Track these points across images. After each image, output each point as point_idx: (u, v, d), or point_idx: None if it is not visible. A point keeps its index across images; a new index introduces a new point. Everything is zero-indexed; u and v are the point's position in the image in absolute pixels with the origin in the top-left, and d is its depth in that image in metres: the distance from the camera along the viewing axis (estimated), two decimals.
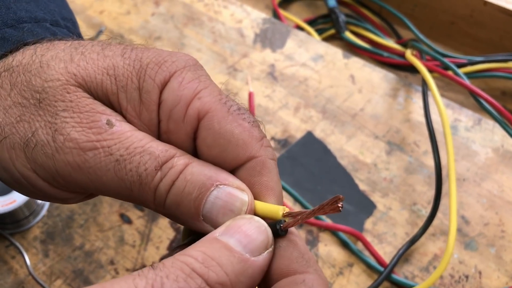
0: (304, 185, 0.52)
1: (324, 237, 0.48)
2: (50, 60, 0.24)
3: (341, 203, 0.21)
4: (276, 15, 0.78)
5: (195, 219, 0.23)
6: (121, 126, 0.23)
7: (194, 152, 0.25)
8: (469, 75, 0.64)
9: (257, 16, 0.68)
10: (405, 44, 0.68)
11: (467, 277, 0.46)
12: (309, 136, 0.56)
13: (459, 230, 0.49)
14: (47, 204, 0.50)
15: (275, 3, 0.79)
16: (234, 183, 0.23)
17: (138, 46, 0.26)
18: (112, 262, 0.46)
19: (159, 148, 0.23)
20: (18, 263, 0.46)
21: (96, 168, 0.23)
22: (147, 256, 0.47)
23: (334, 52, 0.64)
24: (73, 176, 0.23)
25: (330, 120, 0.57)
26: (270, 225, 0.23)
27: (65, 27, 0.31)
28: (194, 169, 0.23)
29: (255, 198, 0.24)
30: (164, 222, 0.49)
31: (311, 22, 0.78)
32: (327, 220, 0.49)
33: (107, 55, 0.25)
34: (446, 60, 0.58)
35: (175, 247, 0.27)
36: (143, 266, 0.46)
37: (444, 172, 0.51)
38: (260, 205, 0.24)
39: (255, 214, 0.23)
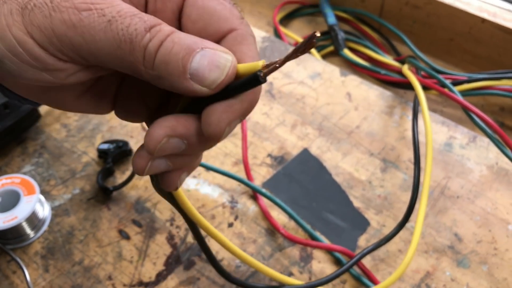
0: (300, 202, 0.53)
1: (318, 254, 0.49)
2: None
3: (315, 39, 0.22)
4: (276, 32, 0.79)
5: (183, 77, 0.24)
6: None
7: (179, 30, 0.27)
8: (467, 92, 0.65)
9: (257, 35, 0.69)
10: (403, 61, 0.69)
11: None
12: (305, 153, 0.57)
13: (451, 248, 0.49)
14: (48, 219, 0.51)
15: (276, 21, 0.80)
16: (219, 47, 0.25)
17: None
18: (110, 278, 0.47)
19: (147, 15, 0.25)
20: (19, 278, 0.48)
21: (90, 27, 0.24)
22: (144, 271, 0.48)
23: (331, 70, 0.65)
24: (68, 36, 0.24)
25: (326, 137, 0.58)
26: (252, 76, 0.24)
27: None
28: (181, 35, 0.24)
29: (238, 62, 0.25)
30: (161, 238, 0.50)
31: None
32: (321, 238, 0.50)
33: None
34: (441, 77, 0.59)
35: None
36: (140, 281, 0.47)
37: (438, 190, 0.52)
38: (242, 65, 0.25)
39: (238, 72, 0.25)
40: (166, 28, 0.24)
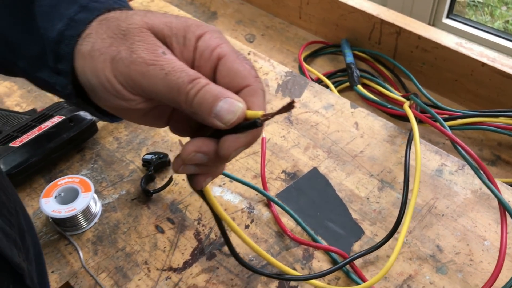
0: (307, 212, 0.62)
1: (318, 255, 0.58)
2: (132, 14, 0.39)
3: (293, 104, 0.33)
4: (301, 68, 0.90)
5: (209, 116, 0.35)
6: (170, 56, 0.37)
7: (213, 82, 0.38)
8: (464, 126, 0.74)
9: (281, 70, 0.81)
10: (408, 98, 0.78)
11: None
12: (315, 171, 0.67)
13: (433, 257, 0.58)
14: (99, 214, 0.63)
15: (301, 58, 0.91)
16: (235, 97, 0.36)
17: (184, 16, 0.40)
18: (146, 263, 0.58)
19: (192, 71, 0.36)
20: (74, 258, 0.59)
21: (154, 76, 0.36)
22: (174, 259, 0.58)
23: (343, 102, 0.75)
24: (138, 80, 0.36)
25: (334, 159, 0.68)
26: (253, 122, 0.35)
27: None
28: (212, 86, 0.36)
29: (247, 109, 0.37)
30: (189, 234, 0.60)
31: (331, 75, 0.90)
32: (322, 242, 0.59)
33: (167, 17, 0.39)
34: (435, 112, 0.68)
35: None
36: (170, 267, 0.58)
37: (426, 208, 0.61)
38: (248, 112, 0.36)
39: (246, 116, 0.36)
40: (203, 81, 0.36)
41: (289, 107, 0.34)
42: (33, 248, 0.45)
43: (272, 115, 0.35)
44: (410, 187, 0.62)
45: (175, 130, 0.43)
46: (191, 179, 0.40)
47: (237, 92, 0.37)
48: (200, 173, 0.40)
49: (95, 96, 0.40)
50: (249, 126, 0.36)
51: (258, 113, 0.36)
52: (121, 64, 0.37)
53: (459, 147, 0.62)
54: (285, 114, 0.74)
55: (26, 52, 0.44)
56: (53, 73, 0.42)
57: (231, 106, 0.35)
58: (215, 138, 0.37)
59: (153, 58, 0.36)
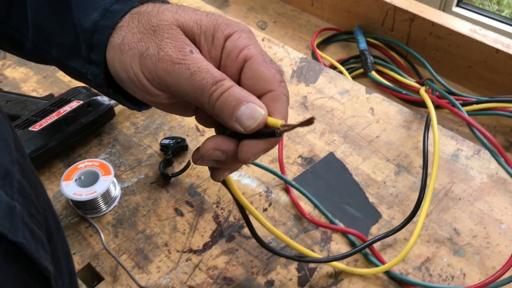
0: (324, 196, 0.63)
1: (336, 237, 0.59)
2: (164, 10, 0.39)
3: (313, 121, 0.33)
4: (314, 55, 0.90)
5: (230, 119, 0.36)
6: (198, 55, 0.37)
7: (238, 83, 0.38)
8: (477, 112, 0.74)
9: (295, 56, 0.81)
10: (422, 83, 0.79)
11: (452, 277, 0.55)
12: (331, 156, 0.67)
13: (450, 240, 0.58)
14: (118, 197, 0.64)
15: (314, 44, 0.92)
16: (258, 102, 0.36)
17: (215, 13, 0.40)
18: (166, 245, 0.59)
19: (217, 72, 0.36)
20: (95, 240, 0.60)
21: (179, 75, 0.36)
22: (193, 241, 0.59)
23: (358, 88, 0.76)
24: (165, 77, 0.37)
25: (350, 144, 0.68)
26: (272, 131, 0.35)
27: None
28: (236, 89, 0.36)
29: (269, 115, 0.36)
30: (208, 216, 0.61)
31: (344, 61, 0.90)
32: (340, 225, 0.60)
33: (197, 14, 0.39)
34: (453, 98, 0.68)
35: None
36: (190, 249, 0.58)
37: (443, 192, 0.62)
38: (269, 119, 0.36)
39: (267, 123, 0.36)
40: (227, 83, 0.36)
41: (308, 122, 0.34)
42: (62, 249, 0.45)
43: (291, 127, 0.35)
44: (428, 172, 0.62)
45: (200, 121, 0.43)
46: (211, 170, 0.42)
47: (260, 96, 0.37)
48: (219, 167, 0.41)
49: (125, 87, 0.41)
50: (268, 135, 0.36)
51: (278, 122, 0.36)
52: (148, 60, 0.37)
53: (476, 131, 0.62)
54: (300, 99, 0.74)
55: (60, 41, 0.45)
56: (85, 63, 0.43)
57: (253, 112, 0.35)
58: (235, 138, 0.38)
59: (180, 57, 0.36)
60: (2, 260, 0.33)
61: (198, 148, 0.39)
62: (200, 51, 0.38)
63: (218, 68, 0.38)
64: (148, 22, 0.39)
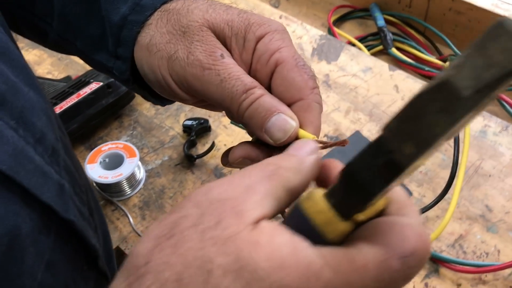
0: None
1: None
2: (194, 9, 0.37)
3: (346, 143, 0.33)
4: (331, 32, 0.89)
5: (260, 130, 0.34)
6: (228, 59, 0.35)
7: (268, 88, 0.36)
8: None
9: (315, 33, 0.79)
10: (445, 60, 0.77)
11: (487, 254, 0.55)
12: (357, 134, 0.66)
13: (482, 216, 0.58)
14: (143, 180, 0.63)
15: (330, 22, 0.90)
16: (288, 113, 0.34)
17: (248, 11, 0.38)
18: None
19: (248, 79, 0.35)
20: (122, 223, 0.59)
21: (208, 81, 0.35)
22: None
23: (381, 65, 0.74)
24: (193, 83, 0.35)
25: (376, 122, 0.67)
26: None
27: None
28: (266, 99, 0.34)
29: (300, 126, 0.35)
30: None
31: (362, 39, 0.89)
32: None
33: (229, 13, 0.37)
34: None
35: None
36: None
37: (473, 169, 0.61)
38: (301, 131, 0.34)
39: (297, 136, 0.34)
40: (258, 91, 0.34)
41: (342, 143, 0.33)
42: (100, 228, 0.44)
43: (324, 146, 0.33)
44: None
45: (231, 119, 0.42)
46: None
47: (290, 104, 0.35)
48: None
49: (153, 87, 0.40)
50: None
51: (310, 136, 0.34)
52: (177, 64, 0.36)
53: (506, 104, 0.61)
54: (322, 78, 0.73)
55: (86, 33, 0.43)
56: (111, 57, 0.41)
57: (283, 124, 0.33)
58: (264, 144, 0.36)
59: (210, 62, 0.35)
60: (58, 239, 0.32)
61: (227, 152, 0.38)
62: (232, 54, 0.36)
63: (249, 72, 0.36)
64: (177, 21, 0.37)
